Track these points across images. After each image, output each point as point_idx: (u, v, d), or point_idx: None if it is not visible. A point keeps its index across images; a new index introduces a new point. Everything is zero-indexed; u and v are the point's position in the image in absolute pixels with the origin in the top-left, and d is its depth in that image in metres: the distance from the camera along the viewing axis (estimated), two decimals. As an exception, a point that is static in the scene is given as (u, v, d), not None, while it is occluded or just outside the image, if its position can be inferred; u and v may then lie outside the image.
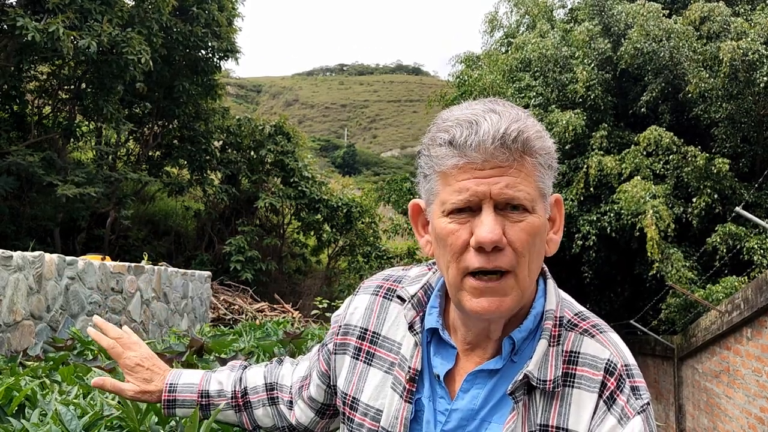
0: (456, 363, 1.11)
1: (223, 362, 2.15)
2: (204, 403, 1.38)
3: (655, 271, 12.71)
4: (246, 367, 1.45)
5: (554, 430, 1.02)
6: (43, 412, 1.51)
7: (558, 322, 1.07)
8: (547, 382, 1.02)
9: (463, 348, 1.11)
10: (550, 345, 1.05)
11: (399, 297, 1.18)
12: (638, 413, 1.01)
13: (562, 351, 1.05)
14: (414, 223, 1.14)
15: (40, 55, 11.76)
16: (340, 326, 1.25)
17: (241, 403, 1.39)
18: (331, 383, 1.26)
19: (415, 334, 1.13)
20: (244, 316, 13.22)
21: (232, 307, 13.59)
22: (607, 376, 1.03)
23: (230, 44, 15.42)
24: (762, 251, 11.92)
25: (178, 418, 1.45)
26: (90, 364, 2.18)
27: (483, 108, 1.01)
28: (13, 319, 5.73)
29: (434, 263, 1.17)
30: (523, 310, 1.07)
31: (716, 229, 12.65)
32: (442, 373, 1.10)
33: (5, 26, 10.50)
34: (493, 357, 1.08)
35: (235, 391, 1.39)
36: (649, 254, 12.46)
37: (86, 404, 1.53)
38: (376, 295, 1.23)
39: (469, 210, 0.99)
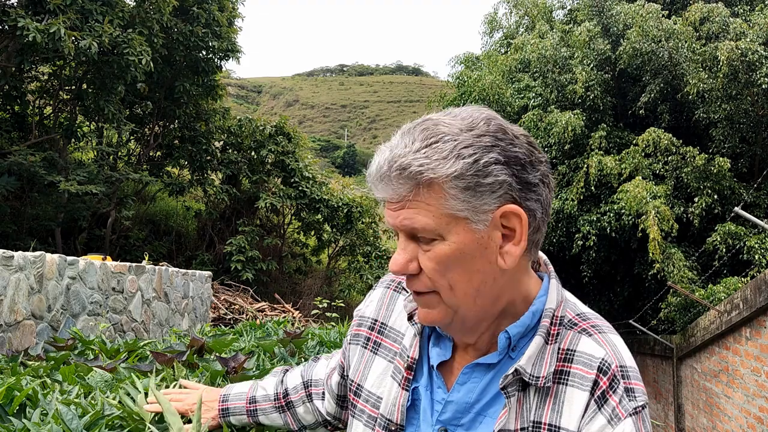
0: (455, 355, 1.14)
1: (224, 362, 2.17)
2: (252, 408, 1.49)
3: (656, 271, 12.71)
4: (288, 370, 1.54)
5: (546, 426, 1.03)
6: (44, 411, 1.53)
7: (558, 321, 1.08)
8: (540, 378, 1.03)
9: (462, 341, 1.13)
10: (546, 342, 1.05)
11: (404, 289, 1.24)
12: (630, 415, 1.00)
13: (559, 348, 1.06)
14: None
15: (41, 55, 11.78)
16: (358, 318, 1.31)
17: (283, 404, 1.47)
18: (345, 373, 1.31)
19: (413, 324, 1.16)
20: (244, 315, 13.24)
21: (233, 306, 13.61)
22: (600, 375, 1.02)
23: (231, 44, 15.44)
24: (762, 251, 11.93)
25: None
26: (91, 364, 2.19)
27: (395, 135, 1.05)
28: (14, 318, 5.75)
29: None
30: (521, 307, 1.09)
31: (716, 228, 12.65)
32: (436, 363, 1.13)
33: (6, 27, 10.52)
34: (491, 351, 1.10)
35: (277, 393, 1.48)
36: (650, 255, 12.45)
37: (87, 404, 1.55)
38: (388, 287, 1.29)
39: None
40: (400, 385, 1.15)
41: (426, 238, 1.01)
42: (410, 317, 1.16)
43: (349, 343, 1.30)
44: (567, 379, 1.04)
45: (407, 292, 1.21)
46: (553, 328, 1.07)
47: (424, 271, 1.03)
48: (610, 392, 1.02)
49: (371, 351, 1.24)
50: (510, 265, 1.03)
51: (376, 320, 1.26)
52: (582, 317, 1.10)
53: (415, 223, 1.00)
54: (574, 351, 1.05)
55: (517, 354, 1.07)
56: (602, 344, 1.06)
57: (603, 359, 1.04)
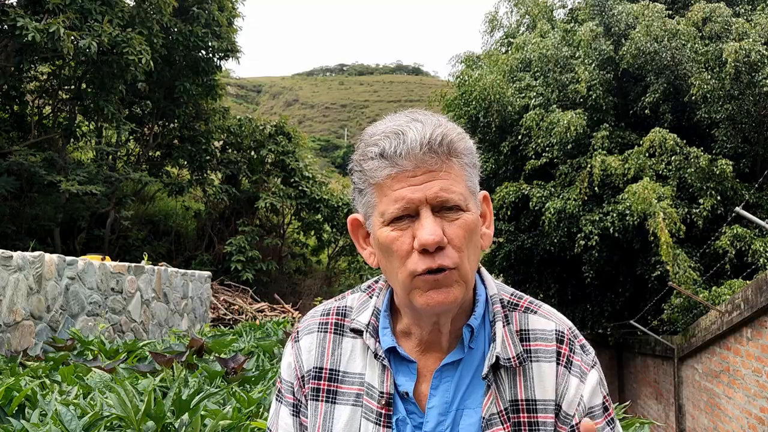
0: (419, 374, 1.14)
1: (223, 362, 2.15)
2: None
3: (662, 273, 12.65)
4: None
5: (524, 402, 1.10)
6: (43, 412, 1.50)
7: (502, 305, 1.16)
8: (512, 359, 1.10)
9: (419, 350, 1.14)
10: (503, 326, 1.13)
11: (353, 330, 1.18)
12: (592, 367, 1.13)
13: (514, 330, 1.14)
14: (355, 237, 1.18)
15: (40, 55, 11.77)
16: (295, 379, 1.21)
17: None
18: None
19: (382, 360, 1.13)
20: (244, 316, 13.22)
21: (232, 307, 13.60)
22: (559, 344, 1.13)
23: (230, 44, 15.44)
24: (766, 254, 11.89)
25: (178, 422, 1.44)
26: (90, 365, 2.17)
27: (406, 119, 1.08)
28: (13, 319, 5.73)
29: (369, 287, 1.22)
30: (468, 301, 1.13)
31: (724, 231, 12.59)
32: (410, 390, 1.12)
33: (6, 26, 10.51)
34: (451, 350, 1.13)
35: None
36: (662, 257, 12.38)
37: (86, 404, 1.52)
38: (325, 332, 1.21)
39: (408, 217, 1.05)
40: (378, 424, 1.11)
41: (456, 208, 1.06)
42: (376, 354, 1.13)
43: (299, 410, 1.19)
44: (531, 356, 1.12)
45: (355, 332, 1.17)
46: (502, 311, 1.15)
47: (453, 241, 1.05)
48: (572, 355, 1.13)
49: (327, 401, 1.16)
50: (486, 247, 1.11)
51: (320, 368, 1.18)
52: (516, 296, 1.19)
53: (452, 193, 1.05)
54: (529, 330, 1.14)
55: (475, 343, 1.13)
56: (548, 317, 1.16)
57: (556, 330, 1.14)
